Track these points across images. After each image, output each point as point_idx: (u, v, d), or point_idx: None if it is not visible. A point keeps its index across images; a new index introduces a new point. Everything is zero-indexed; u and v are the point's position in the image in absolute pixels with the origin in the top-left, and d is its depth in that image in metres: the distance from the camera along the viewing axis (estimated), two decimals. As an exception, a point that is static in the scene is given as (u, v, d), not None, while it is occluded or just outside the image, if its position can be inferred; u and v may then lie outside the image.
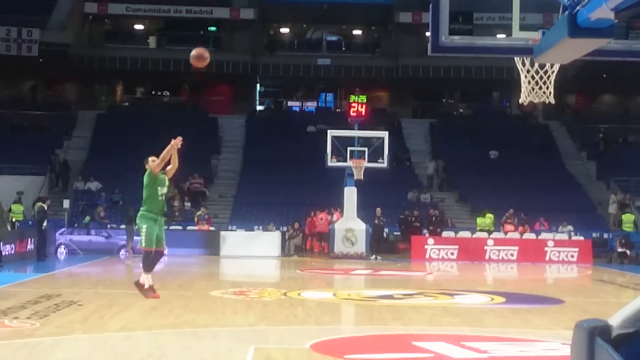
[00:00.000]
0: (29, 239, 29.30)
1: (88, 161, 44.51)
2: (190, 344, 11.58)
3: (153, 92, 56.66)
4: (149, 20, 53.36)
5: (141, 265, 14.84)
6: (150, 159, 14.47)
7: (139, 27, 54.08)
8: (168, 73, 51.07)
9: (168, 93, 56.63)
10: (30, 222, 34.47)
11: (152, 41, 53.95)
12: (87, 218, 36.44)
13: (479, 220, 36.27)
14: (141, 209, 14.47)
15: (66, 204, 36.11)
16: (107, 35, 52.96)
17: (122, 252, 32.14)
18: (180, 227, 35.46)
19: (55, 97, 53.70)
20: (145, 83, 55.65)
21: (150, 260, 14.56)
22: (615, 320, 5.03)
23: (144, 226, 14.25)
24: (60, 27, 47.74)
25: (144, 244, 14.40)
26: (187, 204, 38.69)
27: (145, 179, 14.45)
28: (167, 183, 14.61)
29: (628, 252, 34.29)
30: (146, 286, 14.78)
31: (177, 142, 13.86)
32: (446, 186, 44.04)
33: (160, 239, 14.40)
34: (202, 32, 52.96)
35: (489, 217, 36.03)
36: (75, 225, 35.56)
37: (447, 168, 44.48)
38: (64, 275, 24.33)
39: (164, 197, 14.50)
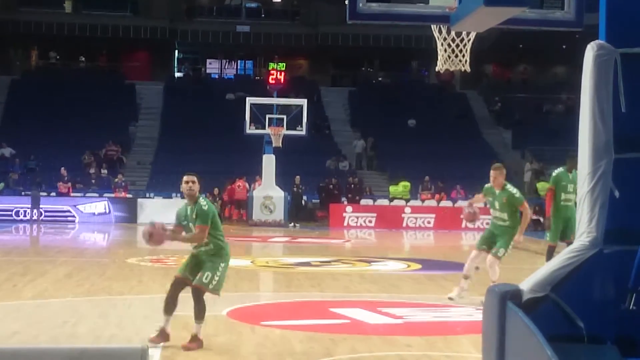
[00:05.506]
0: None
1: (2, 127, 43.59)
2: (106, 311, 11.51)
3: (69, 58, 55.62)
4: (65, -17, 52.33)
5: None
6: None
7: (54, -10, 53.00)
8: (84, 38, 50.17)
9: (84, 59, 55.61)
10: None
11: (68, 5, 52.83)
12: (1, 184, 35.82)
13: (392, 188, 36.54)
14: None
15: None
16: (21, -2, 51.75)
17: None
18: (96, 195, 35.09)
19: (-33, 61, 52.45)
20: (61, 48, 54.51)
21: None
22: (526, 285, 5.12)
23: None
24: (-28, -11, 46.62)
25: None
26: (104, 171, 38.24)
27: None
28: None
29: (542, 219, 34.82)
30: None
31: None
32: (374, 165, 43.65)
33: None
34: (119, -3, 52.09)
35: (402, 185, 36.29)
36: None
37: (375, 146, 44.10)
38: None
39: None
